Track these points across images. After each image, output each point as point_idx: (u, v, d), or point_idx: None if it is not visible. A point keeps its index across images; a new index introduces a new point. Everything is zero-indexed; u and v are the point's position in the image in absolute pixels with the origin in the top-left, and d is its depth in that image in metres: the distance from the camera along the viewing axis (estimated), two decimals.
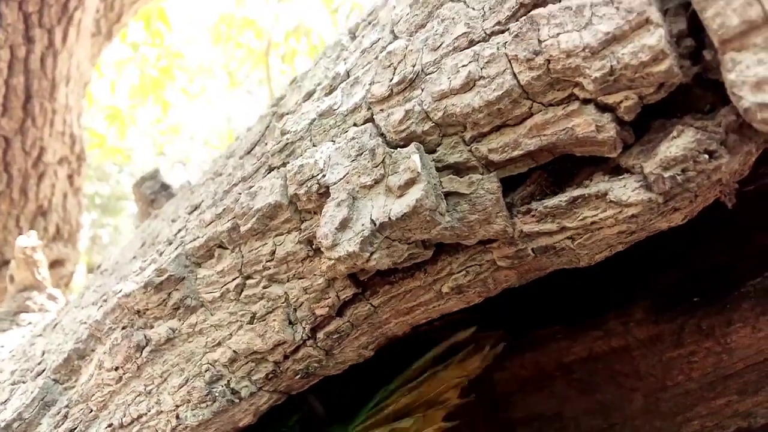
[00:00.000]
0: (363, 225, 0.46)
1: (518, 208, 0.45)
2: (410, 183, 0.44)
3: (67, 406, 0.74)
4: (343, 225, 0.46)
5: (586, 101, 0.41)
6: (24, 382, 0.86)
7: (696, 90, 0.40)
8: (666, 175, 0.38)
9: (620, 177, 0.41)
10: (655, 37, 0.36)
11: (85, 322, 0.78)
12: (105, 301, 0.73)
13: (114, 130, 5.81)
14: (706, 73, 0.38)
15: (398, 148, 0.47)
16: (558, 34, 0.40)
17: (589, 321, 0.76)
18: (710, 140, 0.38)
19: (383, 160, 0.46)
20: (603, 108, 0.40)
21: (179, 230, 0.70)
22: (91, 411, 0.71)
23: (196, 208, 0.72)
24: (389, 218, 0.44)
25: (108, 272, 0.90)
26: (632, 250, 0.49)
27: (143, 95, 5.69)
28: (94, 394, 0.71)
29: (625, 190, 0.41)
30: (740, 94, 0.34)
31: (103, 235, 7.41)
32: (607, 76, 0.38)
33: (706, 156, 0.38)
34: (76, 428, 0.72)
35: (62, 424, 0.74)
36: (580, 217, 0.43)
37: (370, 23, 0.60)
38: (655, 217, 0.41)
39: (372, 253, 0.45)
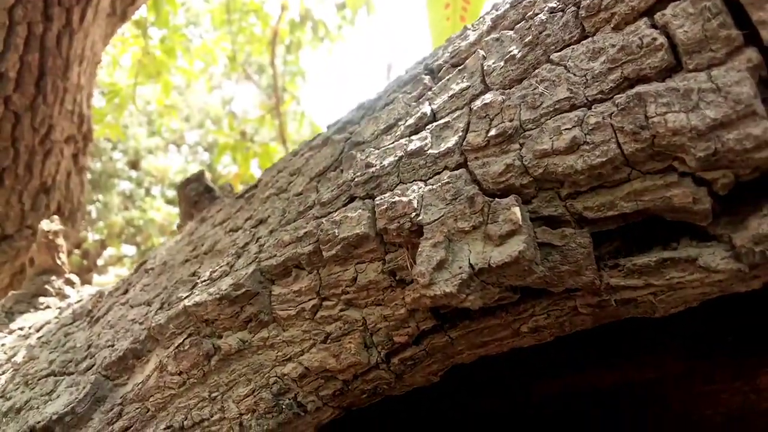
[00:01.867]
0: (461, 268, 0.49)
1: (606, 263, 0.49)
2: (511, 234, 0.47)
3: (120, 404, 0.77)
4: (440, 265, 0.50)
5: (684, 174, 0.44)
6: (68, 374, 0.89)
7: None
8: (757, 249, 0.42)
9: (709, 244, 0.45)
10: (761, 128, 0.40)
11: (141, 323, 0.81)
12: (168, 305, 0.76)
13: (111, 107, 5.78)
14: None
15: (495, 198, 0.50)
16: (665, 113, 0.43)
17: (622, 351, 0.81)
18: None
19: (482, 208, 0.50)
20: (700, 182, 0.44)
21: (246, 243, 0.73)
22: (148, 411, 0.74)
23: (261, 222, 0.75)
24: (489, 265, 0.48)
25: (155, 272, 0.92)
26: None
27: (145, 75, 5.66)
28: (152, 395, 0.74)
29: (714, 257, 0.44)
30: None
31: (92, 211, 7.37)
32: (710, 157, 0.42)
33: None
34: (131, 427, 0.75)
35: (116, 421, 0.76)
36: (667, 277, 0.46)
37: (454, 66, 0.63)
38: (737, 282, 0.45)
39: (468, 295, 0.49)
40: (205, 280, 0.72)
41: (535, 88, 0.51)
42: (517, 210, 0.48)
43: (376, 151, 0.63)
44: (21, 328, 1.40)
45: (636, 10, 0.48)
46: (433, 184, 0.54)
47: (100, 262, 7.32)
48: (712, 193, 0.44)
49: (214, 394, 0.69)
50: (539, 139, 0.49)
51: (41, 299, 1.54)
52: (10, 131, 2.51)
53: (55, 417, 0.80)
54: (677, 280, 0.46)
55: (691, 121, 0.42)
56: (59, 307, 1.42)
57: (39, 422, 0.81)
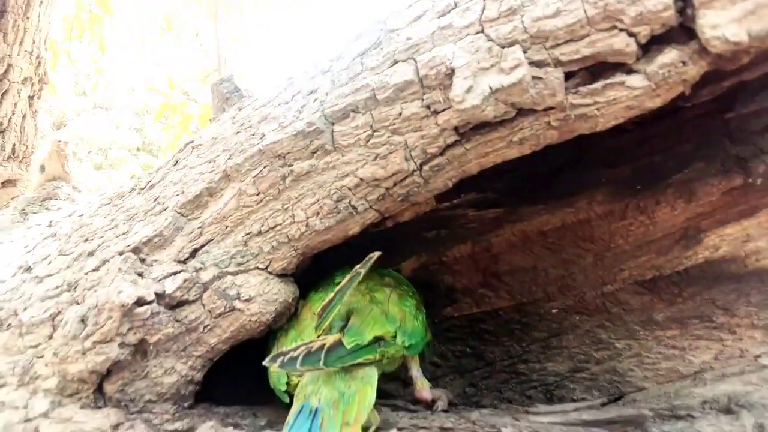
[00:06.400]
0: (483, 90, 0.78)
1: (570, 90, 0.79)
2: (516, 66, 0.77)
3: (200, 227, 1.01)
4: (469, 90, 0.78)
5: (621, 30, 0.75)
6: (140, 220, 1.11)
7: (678, 29, 0.74)
8: (660, 72, 0.73)
9: (632, 74, 0.76)
10: None
11: (211, 171, 1.04)
12: (240, 151, 1.00)
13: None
14: (686, 22, 0.73)
15: (504, 47, 0.79)
16: None
17: (564, 200, 1.12)
18: (684, 56, 0.73)
19: (497, 53, 0.78)
20: (630, 34, 0.74)
21: (304, 105, 0.98)
22: (227, 227, 0.99)
23: (312, 92, 1.00)
24: (502, 85, 0.77)
25: (207, 145, 1.15)
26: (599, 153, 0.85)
27: (79, 30, 5.58)
28: (231, 215, 0.98)
29: (636, 81, 0.75)
30: (703, 31, 0.70)
31: None
32: (637, 17, 0.72)
33: (682, 63, 0.73)
34: (212, 239, 1.00)
35: (198, 238, 1.01)
36: (607, 95, 0.77)
37: None
38: (648, 98, 0.76)
39: (486, 107, 0.78)
40: (274, 129, 0.97)
41: None
42: (520, 52, 0.77)
43: (412, 30, 0.90)
44: (39, 224, 1.56)
45: None
46: (461, 44, 0.82)
47: None
48: (637, 42, 0.75)
49: (286, 206, 0.94)
50: (534, 10, 0.78)
51: (52, 202, 1.70)
52: None
53: (144, 239, 1.03)
54: (613, 97, 0.77)
55: None
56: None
57: (128, 245, 1.04)
